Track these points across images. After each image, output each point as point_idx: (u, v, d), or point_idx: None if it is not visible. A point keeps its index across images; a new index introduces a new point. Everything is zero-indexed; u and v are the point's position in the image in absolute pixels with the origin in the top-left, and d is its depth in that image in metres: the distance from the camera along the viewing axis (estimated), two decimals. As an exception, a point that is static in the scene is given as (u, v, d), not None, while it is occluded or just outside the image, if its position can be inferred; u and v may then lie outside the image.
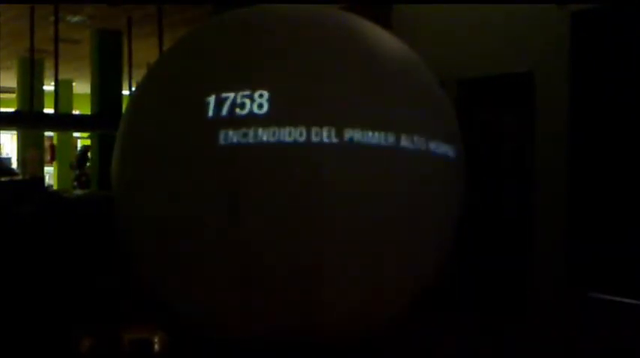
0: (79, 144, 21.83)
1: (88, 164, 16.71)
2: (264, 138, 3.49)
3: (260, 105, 3.54)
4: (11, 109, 17.49)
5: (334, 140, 3.50)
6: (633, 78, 5.86)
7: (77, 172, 17.26)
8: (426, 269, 4.08)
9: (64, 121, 14.14)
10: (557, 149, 6.36)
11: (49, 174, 19.66)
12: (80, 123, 14.52)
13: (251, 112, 3.53)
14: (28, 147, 16.91)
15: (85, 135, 18.59)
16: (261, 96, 3.55)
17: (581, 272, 6.17)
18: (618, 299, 5.80)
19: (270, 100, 3.54)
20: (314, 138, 3.48)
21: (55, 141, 19.95)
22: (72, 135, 20.22)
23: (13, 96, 19.05)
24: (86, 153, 16.37)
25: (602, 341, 5.10)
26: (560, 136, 6.33)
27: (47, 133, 18.69)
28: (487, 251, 6.98)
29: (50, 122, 13.70)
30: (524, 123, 6.75)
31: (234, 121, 3.54)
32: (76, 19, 12.37)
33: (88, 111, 15.00)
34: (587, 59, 6.19)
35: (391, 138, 3.62)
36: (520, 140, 6.82)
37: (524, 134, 6.75)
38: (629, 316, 5.67)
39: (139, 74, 11.23)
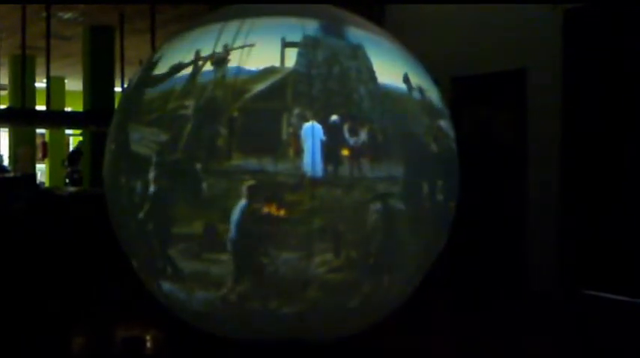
0: (71, 141, 21.79)
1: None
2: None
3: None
4: (3, 106, 17.41)
5: (324, 137, 3.50)
6: (625, 74, 5.88)
7: (69, 169, 17.20)
8: (419, 270, 4.08)
9: (56, 118, 14.08)
10: (551, 146, 6.37)
11: (41, 171, 19.60)
12: (72, 120, 14.45)
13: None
14: (20, 144, 16.85)
15: (77, 132, 18.53)
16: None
17: (574, 269, 6.19)
18: (612, 296, 5.83)
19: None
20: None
21: (47, 139, 19.89)
22: (64, 132, 20.16)
23: (5, 93, 18.98)
24: (79, 151, 16.31)
25: (596, 339, 5.12)
26: (553, 133, 6.34)
27: (39, 130, 18.61)
28: (480, 249, 6.99)
29: (42, 119, 13.64)
30: (517, 120, 6.76)
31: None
32: (68, 15, 12.31)
33: (80, 109, 14.94)
34: (580, 56, 6.20)
35: (381, 135, 3.62)
36: (513, 137, 6.83)
37: (517, 131, 6.76)
38: (622, 313, 5.69)
39: (131, 71, 11.20)
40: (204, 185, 3.52)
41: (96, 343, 5.10)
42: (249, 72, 3.62)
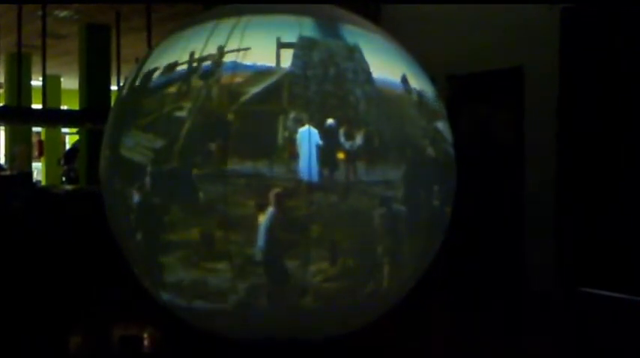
0: (67, 139, 21.75)
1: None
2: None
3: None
4: (-1, 104, 17.39)
5: (320, 141, 3.49)
6: (622, 74, 5.88)
7: (65, 168, 17.17)
8: (415, 272, 4.08)
9: (52, 117, 14.07)
10: (549, 145, 6.38)
11: (37, 169, 19.56)
12: (68, 118, 14.44)
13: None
14: (16, 142, 16.81)
15: (74, 130, 18.50)
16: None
17: (573, 268, 6.20)
18: (609, 293, 5.84)
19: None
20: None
21: (43, 137, 19.85)
22: (60, 130, 20.12)
23: (1, 91, 18.93)
24: (76, 149, 16.28)
25: (596, 338, 5.13)
26: (551, 132, 6.35)
27: (35, 129, 18.57)
28: (479, 248, 7.00)
29: (38, 117, 13.63)
30: (514, 119, 6.76)
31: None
32: (63, 13, 12.28)
33: (76, 107, 14.91)
34: (577, 55, 6.20)
35: (377, 138, 3.61)
36: (511, 136, 6.83)
37: (515, 130, 6.76)
38: (621, 311, 5.71)
39: (127, 69, 11.17)
40: (201, 191, 3.49)
41: (96, 343, 5.10)
42: (245, 73, 3.59)
